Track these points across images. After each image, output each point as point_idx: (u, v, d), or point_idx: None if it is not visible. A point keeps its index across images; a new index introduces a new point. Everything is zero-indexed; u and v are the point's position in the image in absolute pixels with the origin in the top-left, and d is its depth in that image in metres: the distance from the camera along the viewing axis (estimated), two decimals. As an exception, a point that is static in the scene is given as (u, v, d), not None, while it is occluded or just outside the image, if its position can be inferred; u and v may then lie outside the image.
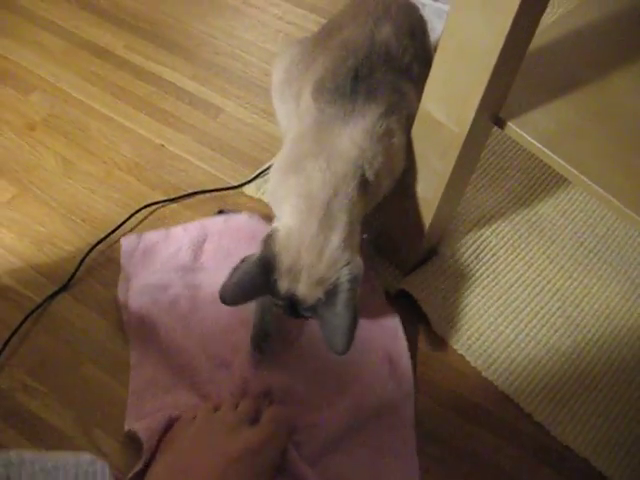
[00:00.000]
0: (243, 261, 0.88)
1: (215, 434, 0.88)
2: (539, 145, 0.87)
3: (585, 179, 0.85)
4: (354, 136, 0.91)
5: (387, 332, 1.07)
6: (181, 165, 1.26)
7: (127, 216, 1.17)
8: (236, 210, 1.17)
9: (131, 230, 1.16)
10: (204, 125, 1.33)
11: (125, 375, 1.00)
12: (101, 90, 1.37)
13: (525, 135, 0.88)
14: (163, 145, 1.29)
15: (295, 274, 0.86)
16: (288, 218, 0.88)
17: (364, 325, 1.04)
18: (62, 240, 1.14)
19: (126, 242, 1.13)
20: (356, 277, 0.86)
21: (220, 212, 1.18)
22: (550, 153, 0.87)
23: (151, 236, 1.14)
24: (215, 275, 1.05)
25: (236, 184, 1.23)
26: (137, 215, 1.18)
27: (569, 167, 0.86)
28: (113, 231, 1.15)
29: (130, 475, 0.89)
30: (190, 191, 1.21)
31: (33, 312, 1.05)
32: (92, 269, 1.11)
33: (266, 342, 1.01)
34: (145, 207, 1.18)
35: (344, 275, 0.85)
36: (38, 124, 1.30)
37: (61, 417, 0.97)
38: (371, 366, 1.03)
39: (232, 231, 1.14)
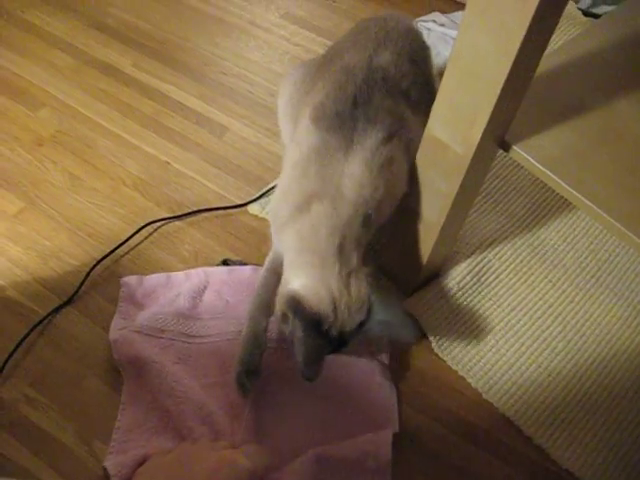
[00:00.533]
0: (287, 338, 0.92)
1: (191, 460, 0.87)
2: (544, 169, 0.88)
3: (589, 203, 0.86)
4: (355, 173, 0.91)
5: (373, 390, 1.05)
6: (186, 183, 1.27)
7: (132, 232, 1.17)
8: (241, 262, 1.16)
9: (135, 246, 1.17)
10: (209, 143, 1.34)
11: (127, 390, 1.01)
12: (109, 107, 1.38)
13: (530, 159, 0.89)
14: (169, 163, 1.30)
15: (338, 315, 0.88)
16: (301, 272, 0.90)
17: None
18: (67, 254, 1.15)
19: (127, 283, 1.12)
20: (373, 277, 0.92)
21: (225, 262, 1.16)
22: (554, 177, 0.88)
23: (152, 280, 1.13)
24: (210, 327, 1.08)
25: (240, 202, 1.24)
26: (142, 232, 1.18)
27: (573, 191, 0.87)
28: (118, 247, 1.16)
29: None
30: (194, 209, 1.22)
31: (37, 325, 1.05)
32: (97, 284, 1.12)
33: (251, 381, 1.00)
34: (149, 224, 1.19)
35: (369, 288, 0.90)
36: (46, 140, 1.31)
37: (62, 429, 0.97)
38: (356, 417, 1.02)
39: (234, 283, 1.13)
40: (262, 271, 1.05)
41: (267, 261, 1.05)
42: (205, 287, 1.12)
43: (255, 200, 1.25)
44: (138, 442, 0.96)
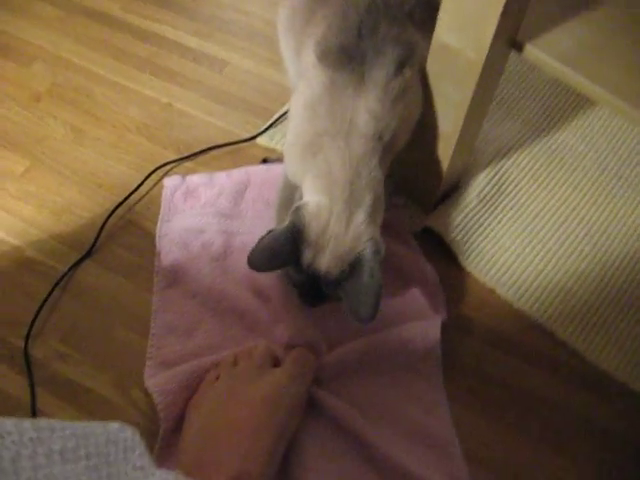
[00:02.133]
0: (270, 232, 0.89)
1: (239, 388, 0.89)
2: (560, 65, 0.85)
3: (610, 96, 0.83)
4: (369, 108, 0.89)
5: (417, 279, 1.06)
6: (191, 122, 1.24)
7: (142, 178, 1.15)
8: (279, 160, 1.14)
9: (147, 192, 1.15)
10: (210, 80, 1.31)
11: (157, 335, 1.00)
12: (102, 54, 1.34)
13: (544, 56, 0.86)
14: (170, 104, 1.27)
15: (322, 246, 0.87)
16: (314, 195, 0.89)
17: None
18: (80, 208, 1.13)
19: (169, 182, 1.14)
20: (379, 250, 0.88)
21: (264, 161, 1.17)
22: (572, 72, 0.85)
23: (194, 179, 1.15)
24: (252, 224, 1.09)
25: (249, 136, 1.21)
26: (152, 177, 1.16)
27: (593, 85, 0.84)
28: (130, 194, 1.14)
29: (157, 446, 0.90)
30: (203, 147, 1.20)
31: (60, 281, 1.04)
32: (113, 234, 1.10)
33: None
34: (159, 168, 1.17)
35: (369, 247, 0.87)
36: (43, 95, 1.28)
37: (98, 381, 0.97)
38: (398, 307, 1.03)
39: (274, 181, 1.12)
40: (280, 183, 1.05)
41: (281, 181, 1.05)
42: (246, 186, 1.14)
43: (263, 132, 1.22)
44: (174, 347, 0.98)
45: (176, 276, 1.04)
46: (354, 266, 0.87)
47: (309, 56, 0.95)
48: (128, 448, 0.61)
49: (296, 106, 0.96)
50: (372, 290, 0.85)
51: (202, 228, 1.08)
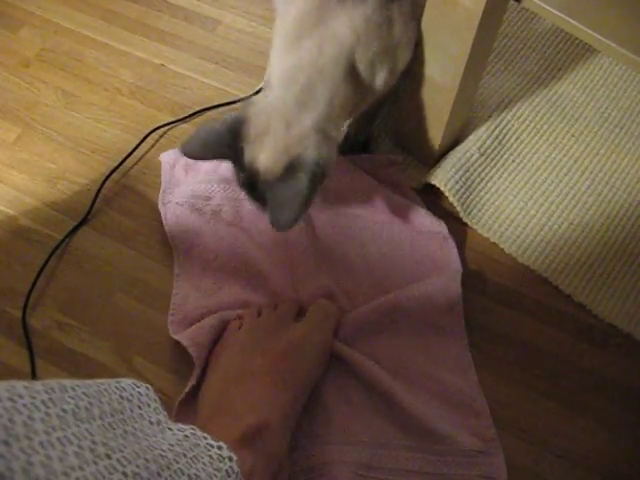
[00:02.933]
0: (213, 120, 0.88)
1: (261, 338, 0.89)
2: (559, 13, 0.82)
3: (611, 43, 0.80)
4: (352, 19, 0.86)
5: (427, 229, 1.06)
6: (185, 83, 1.22)
7: (137, 142, 1.13)
8: None
9: (142, 156, 1.13)
10: (203, 39, 1.28)
11: (157, 301, 1.00)
12: (91, 16, 1.31)
13: (543, 4, 0.83)
14: (163, 65, 1.24)
15: (261, 142, 0.84)
16: (267, 91, 0.88)
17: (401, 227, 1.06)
18: (74, 174, 1.11)
19: (167, 157, 1.12)
20: (322, 163, 0.83)
21: None
22: (572, 20, 0.82)
23: None
24: None
25: (244, 96, 1.19)
26: (147, 140, 1.14)
27: (593, 32, 0.81)
28: (125, 159, 1.12)
29: (186, 390, 0.89)
30: (198, 109, 1.17)
31: (56, 249, 1.03)
32: (109, 199, 1.09)
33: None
34: (154, 130, 1.15)
35: (310, 154, 0.83)
36: (32, 60, 1.25)
37: (99, 349, 0.96)
38: (414, 264, 1.04)
39: None
40: None
41: None
42: None
43: (260, 91, 1.19)
44: (198, 303, 0.98)
45: (193, 239, 1.03)
46: (290, 170, 0.83)
47: None
48: (143, 404, 0.62)
49: (283, 17, 0.93)
50: (297, 198, 0.81)
51: (208, 195, 1.06)
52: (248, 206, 1.05)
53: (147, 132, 1.15)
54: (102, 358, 0.96)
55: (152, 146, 1.14)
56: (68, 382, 0.54)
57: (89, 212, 1.07)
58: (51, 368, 0.95)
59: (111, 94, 1.21)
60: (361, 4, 0.87)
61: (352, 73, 0.87)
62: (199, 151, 0.87)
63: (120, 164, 1.11)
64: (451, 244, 1.04)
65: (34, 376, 0.93)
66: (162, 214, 1.05)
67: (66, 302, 1.00)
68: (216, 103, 1.18)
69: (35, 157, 1.13)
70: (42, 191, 1.10)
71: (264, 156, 0.84)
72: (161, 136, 1.15)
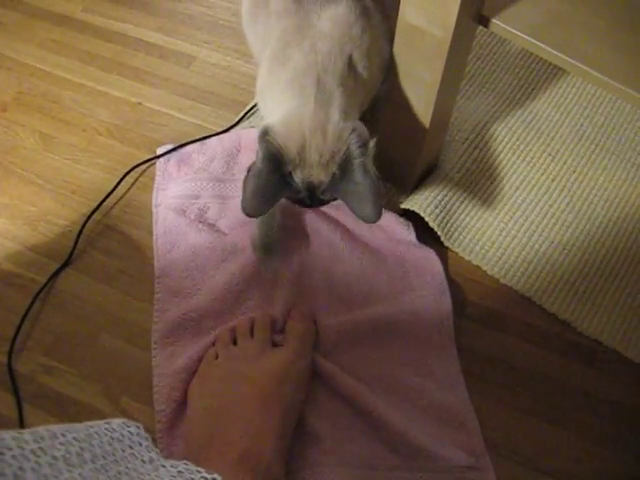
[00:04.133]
0: (249, 170, 0.84)
1: (242, 366, 0.89)
2: (528, 37, 0.84)
3: (580, 65, 0.82)
4: (334, 16, 0.89)
5: (404, 243, 1.07)
6: (162, 120, 1.22)
7: (117, 181, 1.14)
8: None
9: (123, 195, 1.13)
10: (178, 76, 1.29)
11: (143, 340, 0.99)
12: (67, 58, 1.32)
13: (511, 29, 0.85)
14: (140, 103, 1.25)
15: (305, 159, 0.82)
16: (280, 108, 0.86)
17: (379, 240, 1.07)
18: (55, 216, 1.11)
19: (162, 150, 1.16)
20: (364, 142, 0.83)
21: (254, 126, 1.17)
22: (540, 44, 0.84)
23: (187, 148, 1.16)
24: None
25: (220, 130, 1.20)
26: (127, 179, 1.14)
27: (562, 55, 0.83)
28: (105, 199, 1.12)
29: (160, 427, 0.90)
30: (176, 145, 1.17)
31: (39, 293, 1.03)
32: (92, 240, 1.09)
33: (269, 244, 1.03)
34: (132, 169, 1.15)
35: (353, 144, 0.82)
36: (9, 104, 1.25)
37: (86, 392, 0.95)
38: (393, 276, 1.04)
39: None
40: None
41: None
42: (238, 150, 1.15)
43: (237, 124, 1.20)
44: (178, 308, 0.99)
45: (175, 241, 1.06)
46: (344, 166, 0.82)
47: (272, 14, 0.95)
48: (134, 443, 0.61)
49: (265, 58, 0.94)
50: (369, 188, 0.81)
51: (197, 194, 1.10)
52: (234, 205, 1.08)
53: (126, 171, 1.15)
54: (90, 400, 0.95)
55: (132, 185, 1.14)
56: (57, 428, 0.54)
57: (71, 254, 1.07)
58: (39, 412, 0.94)
59: (89, 134, 1.21)
60: (336, 5, 0.90)
61: (351, 66, 0.88)
62: (259, 205, 0.84)
63: (100, 204, 1.11)
64: (433, 255, 1.05)
65: (21, 422, 0.93)
66: (154, 216, 1.09)
67: (52, 345, 0.99)
68: (193, 139, 1.18)
69: (15, 200, 1.13)
70: (23, 234, 1.09)
71: (315, 169, 0.83)
72: (140, 174, 1.16)
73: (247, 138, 1.16)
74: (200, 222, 1.07)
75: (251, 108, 1.21)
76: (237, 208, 1.00)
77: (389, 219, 1.07)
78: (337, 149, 0.82)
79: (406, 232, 1.06)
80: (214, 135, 1.19)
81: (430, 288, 1.02)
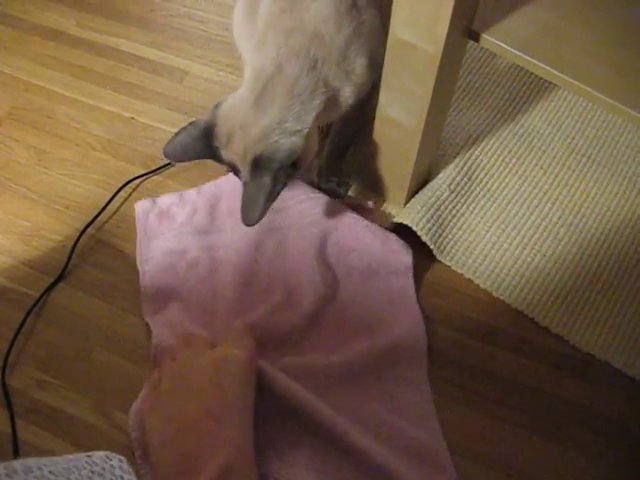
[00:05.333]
0: (191, 124, 0.94)
1: (186, 380, 0.85)
2: (518, 52, 0.85)
3: (569, 79, 0.83)
4: (319, 8, 0.91)
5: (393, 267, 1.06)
6: (155, 135, 1.23)
7: (110, 196, 1.14)
8: None
9: (116, 210, 1.14)
10: (171, 91, 1.29)
11: (136, 354, 0.99)
12: (60, 73, 1.32)
13: (502, 44, 0.85)
14: (133, 118, 1.25)
15: (230, 146, 0.92)
16: (240, 89, 0.93)
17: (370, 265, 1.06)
18: (49, 231, 1.12)
19: (140, 207, 1.12)
20: (285, 158, 0.89)
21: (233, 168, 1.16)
22: (530, 59, 0.85)
23: (165, 200, 1.13)
24: (232, 236, 1.08)
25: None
26: (120, 193, 1.15)
27: (552, 70, 0.84)
28: (99, 213, 1.12)
29: (139, 454, 0.88)
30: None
31: (33, 308, 1.03)
32: (85, 255, 1.09)
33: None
34: (126, 184, 1.16)
35: (271, 152, 0.89)
36: (3, 119, 1.26)
37: (79, 406, 0.95)
38: (380, 305, 1.03)
39: None
40: None
41: None
42: (219, 199, 1.13)
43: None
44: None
45: (167, 300, 1.03)
46: (254, 166, 0.90)
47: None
48: (116, 477, 0.59)
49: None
50: (260, 193, 0.89)
51: (184, 248, 1.06)
52: (224, 254, 1.06)
53: (119, 186, 1.15)
54: (82, 414, 0.95)
55: (125, 199, 1.15)
56: (33, 462, 0.52)
57: (65, 268, 1.07)
58: (31, 427, 0.94)
59: (83, 149, 1.21)
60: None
61: (316, 70, 0.91)
62: (180, 154, 0.96)
63: (94, 219, 1.11)
64: (410, 283, 1.04)
65: (15, 437, 0.92)
66: (140, 272, 1.05)
67: (45, 360, 0.99)
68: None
69: (9, 215, 1.13)
70: (17, 249, 1.10)
71: (235, 158, 0.91)
72: (134, 189, 1.16)
73: (226, 186, 1.13)
74: (192, 279, 1.04)
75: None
76: (226, 258, 1.05)
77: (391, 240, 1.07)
78: (255, 151, 0.90)
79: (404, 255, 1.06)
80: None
81: (406, 321, 1.01)
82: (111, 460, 0.60)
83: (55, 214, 1.13)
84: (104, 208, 1.13)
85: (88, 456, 0.59)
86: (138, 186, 1.16)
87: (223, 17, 1.40)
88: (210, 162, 1.14)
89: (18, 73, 1.32)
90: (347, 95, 0.97)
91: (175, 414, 0.82)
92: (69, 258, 1.08)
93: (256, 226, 0.98)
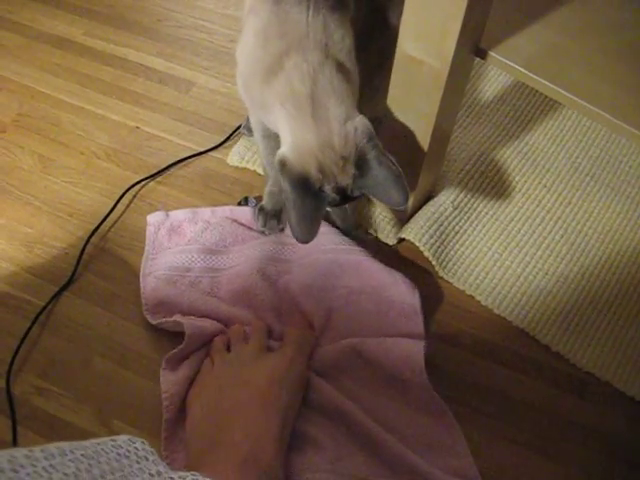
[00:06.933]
0: (246, 201, 0.97)
1: (239, 371, 0.91)
2: (524, 70, 0.85)
3: (575, 98, 0.83)
4: (320, 18, 0.89)
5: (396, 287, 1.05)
6: (159, 144, 1.23)
7: (113, 204, 1.14)
8: (260, 199, 1.13)
9: (119, 218, 1.14)
10: (177, 101, 1.30)
11: (137, 364, 0.99)
12: (67, 81, 1.33)
13: (509, 62, 0.86)
14: (138, 127, 1.26)
15: (326, 172, 0.86)
16: (286, 132, 0.88)
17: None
18: (52, 238, 1.12)
19: (152, 219, 1.12)
20: (370, 134, 0.87)
21: (245, 199, 1.15)
22: (536, 77, 0.85)
23: (178, 215, 1.12)
24: (236, 257, 1.08)
25: (220, 156, 1.21)
26: (122, 201, 1.15)
27: (557, 88, 0.84)
28: (102, 222, 1.12)
29: (164, 435, 0.91)
30: (172, 169, 1.19)
31: (39, 315, 1.02)
32: (88, 263, 1.09)
33: (270, 224, 1.08)
34: (128, 190, 1.16)
35: (360, 142, 0.86)
36: (8, 125, 1.26)
37: (79, 414, 0.95)
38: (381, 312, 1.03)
39: None
40: (258, 140, 1.06)
41: (255, 130, 1.06)
42: (231, 222, 1.12)
43: (222, 144, 1.22)
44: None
45: (168, 311, 1.02)
46: (360, 165, 0.86)
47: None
48: (141, 458, 0.62)
49: (246, 37, 0.95)
50: (387, 176, 0.86)
51: (188, 266, 1.06)
52: (227, 276, 1.06)
53: (121, 193, 1.16)
54: (83, 423, 0.94)
55: (127, 207, 1.15)
56: (66, 445, 0.55)
57: (72, 276, 1.06)
58: (30, 434, 0.93)
59: (87, 157, 1.21)
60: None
61: (340, 68, 0.89)
62: (313, 229, 0.88)
63: (97, 227, 1.11)
64: (419, 316, 1.02)
65: (15, 444, 0.92)
66: (142, 286, 1.05)
67: (46, 368, 0.99)
68: (188, 162, 1.20)
69: (12, 222, 1.13)
70: (20, 256, 1.09)
71: (339, 177, 0.87)
72: (134, 196, 1.16)
73: (240, 215, 1.13)
74: (193, 293, 1.04)
75: (237, 129, 1.24)
76: (227, 281, 1.05)
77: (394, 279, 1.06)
78: (348, 153, 0.86)
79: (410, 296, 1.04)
80: (199, 154, 1.22)
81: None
82: (134, 443, 0.62)
83: (58, 222, 1.13)
84: (107, 216, 1.13)
85: (113, 440, 0.61)
86: (138, 193, 1.17)
87: (230, 29, 1.41)
88: (214, 170, 1.15)
89: (25, 80, 1.33)
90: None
91: (223, 397, 0.88)
92: (76, 266, 1.08)
93: (260, 254, 1.04)
